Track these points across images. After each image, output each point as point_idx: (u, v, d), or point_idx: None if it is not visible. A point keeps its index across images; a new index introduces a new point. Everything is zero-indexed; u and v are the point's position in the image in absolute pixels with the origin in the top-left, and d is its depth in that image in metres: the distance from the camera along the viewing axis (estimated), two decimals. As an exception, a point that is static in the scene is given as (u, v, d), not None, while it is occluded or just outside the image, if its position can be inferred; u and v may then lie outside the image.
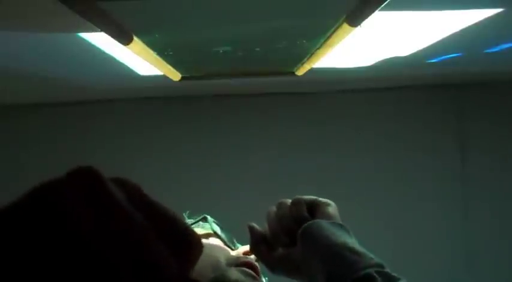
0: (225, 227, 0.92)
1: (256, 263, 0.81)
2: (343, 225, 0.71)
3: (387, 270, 0.64)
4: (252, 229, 0.79)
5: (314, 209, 0.74)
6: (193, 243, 0.67)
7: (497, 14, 1.31)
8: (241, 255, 0.83)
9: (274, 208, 0.77)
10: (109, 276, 0.57)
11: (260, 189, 2.44)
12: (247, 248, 0.84)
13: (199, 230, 0.89)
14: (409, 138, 2.67)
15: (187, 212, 0.91)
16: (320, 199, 0.76)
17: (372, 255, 0.66)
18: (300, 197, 0.76)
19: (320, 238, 0.68)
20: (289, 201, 0.76)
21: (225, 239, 0.87)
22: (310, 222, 0.71)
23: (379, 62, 1.90)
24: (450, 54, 1.88)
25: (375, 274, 0.62)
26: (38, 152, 2.58)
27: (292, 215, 0.74)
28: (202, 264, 0.72)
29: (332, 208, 0.75)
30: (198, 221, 0.92)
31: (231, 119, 2.67)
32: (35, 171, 2.08)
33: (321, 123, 2.66)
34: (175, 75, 1.63)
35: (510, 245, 2.61)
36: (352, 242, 0.68)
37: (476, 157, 2.67)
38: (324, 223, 0.70)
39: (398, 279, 0.63)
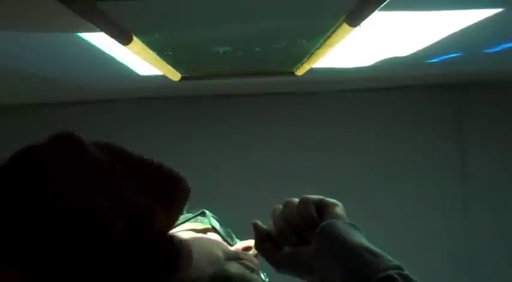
0: (224, 223, 0.92)
1: (255, 259, 0.81)
2: (356, 226, 0.71)
3: (406, 272, 0.64)
4: (256, 226, 0.78)
5: (322, 209, 0.74)
6: (177, 185, 0.69)
7: (497, 14, 1.31)
8: (240, 251, 0.83)
9: (280, 206, 0.76)
10: (92, 230, 0.59)
11: (260, 189, 2.44)
12: (245, 243, 0.84)
13: (197, 224, 0.89)
14: (409, 138, 2.67)
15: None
16: (327, 199, 0.75)
17: (389, 257, 0.66)
18: (307, 196, 0.75)
19: (337, 238, 0.68)
20: (296, 200, 0.75)
21: (224, 234, 0.87)
22: (326, 221, 0.71)
23: (379, 62, 1.89)
24: (450, 54, 1.88)
25: (396, 276, 0.62)
26: (38, 152, 2.57)
27: (300, 214, 0.73)
28: (201, 260, 0.72)
29: (340, 208, 0.74)
30: (196, 216, 0.92)
31: (231, 119, 2.67)
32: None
33: (321, 123, 2.66)
34: (175, 75, 1.63)
35: (510, 245, 2.61)
36: (366, 242, 0.68)
37: (476, 157, 2.67)
38: (339, 223, 0.70)
39: None
